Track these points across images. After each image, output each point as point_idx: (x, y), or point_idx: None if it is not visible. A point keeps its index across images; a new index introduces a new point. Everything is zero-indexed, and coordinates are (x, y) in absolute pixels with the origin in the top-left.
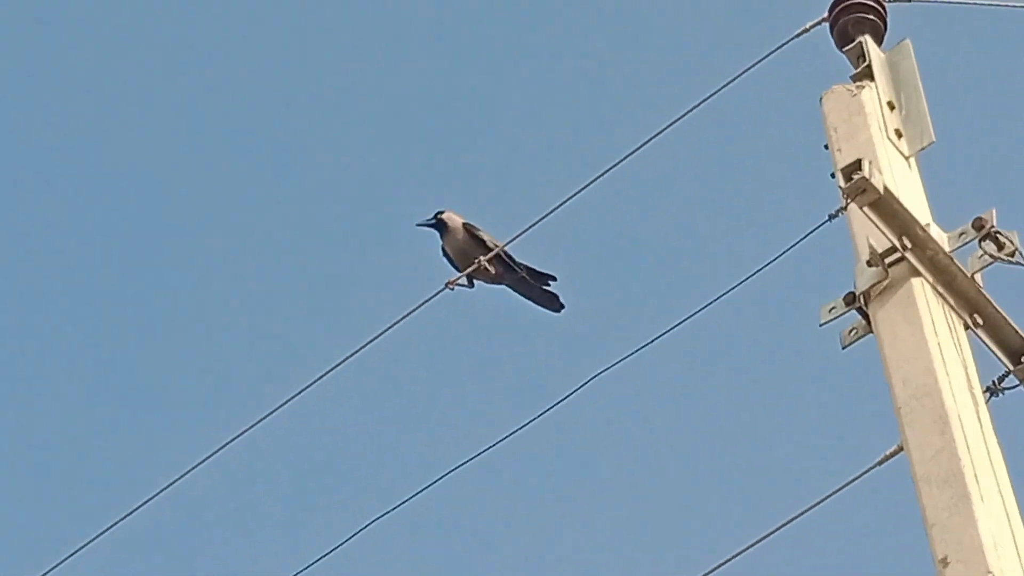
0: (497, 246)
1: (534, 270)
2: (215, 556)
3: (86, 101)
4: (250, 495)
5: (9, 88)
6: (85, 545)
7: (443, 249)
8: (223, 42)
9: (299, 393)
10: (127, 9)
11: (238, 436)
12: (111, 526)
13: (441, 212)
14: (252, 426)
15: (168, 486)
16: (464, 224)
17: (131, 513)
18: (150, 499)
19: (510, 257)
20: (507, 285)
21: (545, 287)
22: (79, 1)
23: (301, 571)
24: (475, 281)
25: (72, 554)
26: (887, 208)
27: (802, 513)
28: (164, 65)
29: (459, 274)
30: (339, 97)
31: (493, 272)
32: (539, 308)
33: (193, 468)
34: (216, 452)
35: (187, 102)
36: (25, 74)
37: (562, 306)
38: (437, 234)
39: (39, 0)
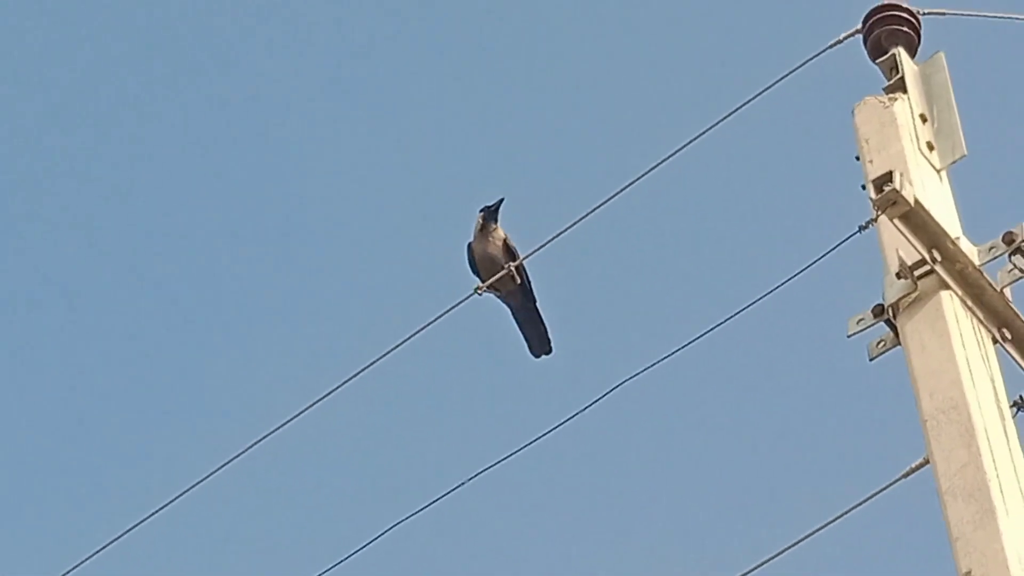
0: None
1: (539, 315)
2: (236, 557)
3: (90, 99)
4: (276, 495)
5: (9, 88)
6: (125, 532)
7: (469, 248)
8: (244, 37)
9: (320, 400)
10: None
11: (264, 437)
12: (135, 525)
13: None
14: (287, 422)
15: (174, 498)
16: (506, 233)
17: (154, 513)
18: (174, 500)
19: (528, 279)
20: (514, 306)
21: (543, 326)
22: (82, 2)
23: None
24: (487, 293)
25: (103, 546)
26: (917, 220)
27: (827, 524)
28: (175, 59)
29: (483, 280)
30: (344, 109)
31: (517, 283)
32: (524, 343)
33: (201, 480)
34: (239, 455)
35: (206, 99)
36: (25, 73)
37: (548, 351)
38: (466, 245)
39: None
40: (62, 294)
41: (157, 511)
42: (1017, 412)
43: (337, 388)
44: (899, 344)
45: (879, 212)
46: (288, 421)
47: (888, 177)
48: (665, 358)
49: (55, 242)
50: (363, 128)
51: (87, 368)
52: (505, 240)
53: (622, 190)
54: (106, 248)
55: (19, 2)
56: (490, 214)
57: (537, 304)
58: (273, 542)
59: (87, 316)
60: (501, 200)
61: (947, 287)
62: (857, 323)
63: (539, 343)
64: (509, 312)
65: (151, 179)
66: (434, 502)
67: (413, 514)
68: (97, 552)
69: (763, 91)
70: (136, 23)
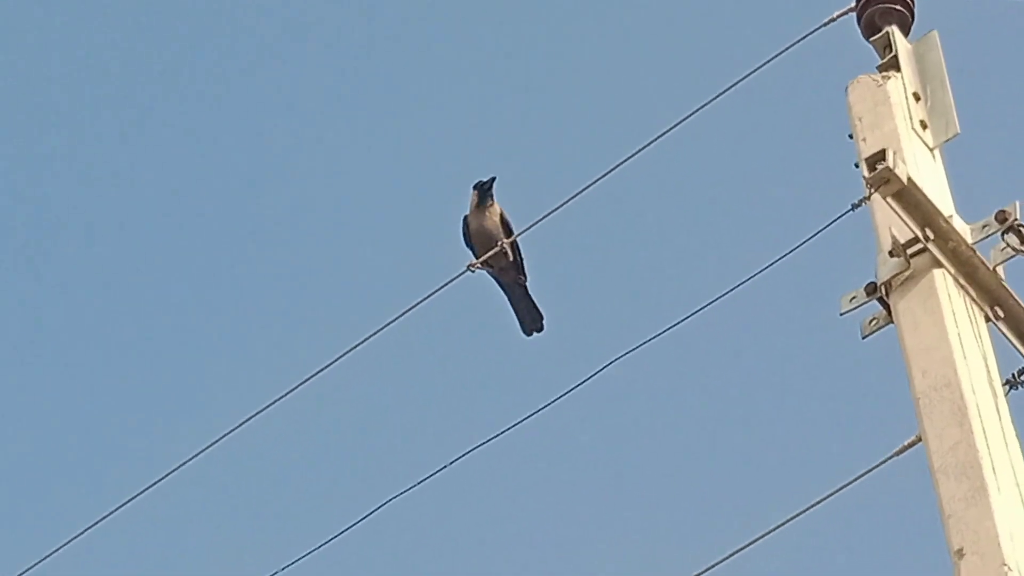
0: (512, 232)
1: (529, 294)
2: (216, 544)
3: (91, 98)
4: (265, 476)
5: (9, 88)
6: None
7: (465, 223)
8: (242, 28)
9: (311, 377)
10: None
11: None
12: (117, 508)
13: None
14: (274, 402)
15: (152, 484)
16: (502, 208)
17: (140, 494)
18: (159, 481)
19: (520, 257)
20: (506, 283)
21: (535, 305)
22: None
23: (304, 556)
24: (479, 270)
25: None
26: (910, 199)
27: (819, 502)
28: (174, 53)
29: (476, 254)
30: (343, 103)
31: (510, 259)
32: (516, 321)
33: (183, 463)
34: (223, 437)
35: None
36: (24, 73)
37: (540, 329)
38: (462, 220)
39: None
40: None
41: (141, 492)
42: (1009, 390)
43: (328, 365)
44: (892, 322)
45: (872, 190)
46: (280, 398)
47: (881, 155)
48: (657, 336)
49: (56, 241)
50: (358, 102)
51: (72, 351)
52: (502, 215)
53: (614, 168)
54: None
55: (19, 2)
56: (484, 192)
57: (527, 282)
58: (270, 518)
59: (60, 290)
60: (493, 179)
61: (940, 265)
62: (850, 301)
63: (531, 321)
64: (500, 289)
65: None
66: (424, 480)
67: (403, 492)
68: (76, 537)
69: (756, 69)
70: (136, 23)
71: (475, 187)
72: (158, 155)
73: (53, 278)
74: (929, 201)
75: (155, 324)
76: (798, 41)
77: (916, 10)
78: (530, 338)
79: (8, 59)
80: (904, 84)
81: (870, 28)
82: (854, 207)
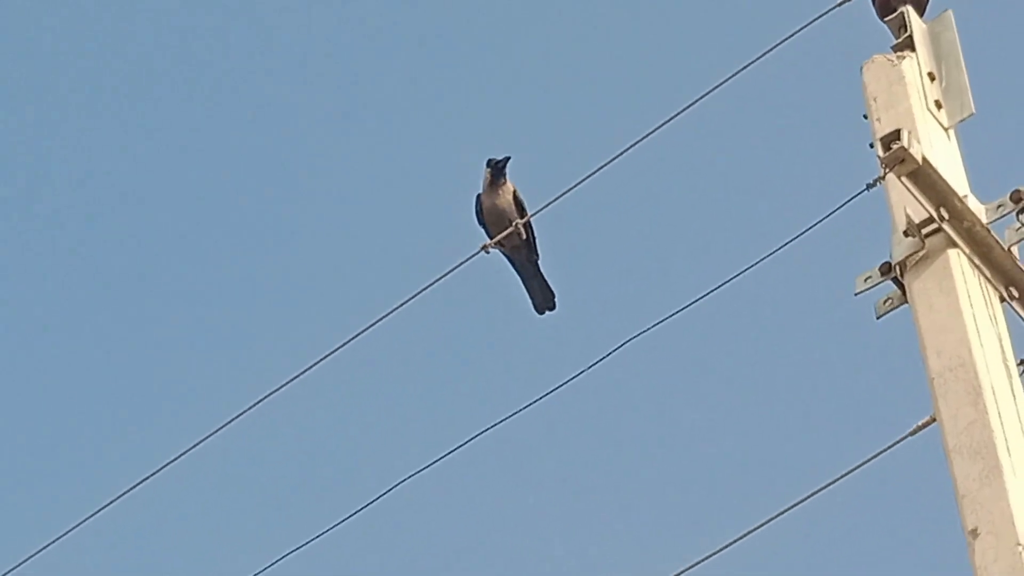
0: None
1: (540, 272)
2: (201, 544)
3: (90, 98)
4: (256, 473)
5: (9, 88)
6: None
7: (478, 202)
8: (245, 22)
9: (325, 357)
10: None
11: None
12: (97, 511)
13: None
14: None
15: (134, 486)
16: (515, 186)
17: (116, 499)
18: (139, 483)
19: (533, 236)
20: (518, 261)
21: (547, 284)
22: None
23: (289, 553)
24: (492, 249)
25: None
26: (925, 179)
27: (834, 482)
28: (175, 52)
29: (489, 233)
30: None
31: (523, 238)
32: (528, 300)
33: (168, 462)
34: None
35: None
36: (25, 73)
37: (552, 307)
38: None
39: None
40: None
41: (117, 498)
42: None
43: (343, 345)
44: (906, 302)
45: (887, 170)
46: (293, 379)
47: (896, 135)
48: (671, 316)
49: (55, 242)
50: (372, 82)
51: (65, 348)
52: (515, 193)
53: (630, 147)
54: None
55: (19, 2)
56: (498, 170)
57: (539, 261)
58: (286, 495)
59: (51, 291)
60: (507, 158)
61: (955, 245)
62: (864, 281)
63: (543, 299)
64: (512, 268)
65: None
66: (438, 460)
67: (415, 473)
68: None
69: (771, 49)
70: (136, 23)
71: (488, 165)
72: (171, 147)
73: (51, 276)
74: (944, 181)
75: (179, 302)
76: (813, 21)
77: None
78: (542, 316)
79: (8, 59)
80: (919, 64)
81: (885, 8)
82: (869, 187)
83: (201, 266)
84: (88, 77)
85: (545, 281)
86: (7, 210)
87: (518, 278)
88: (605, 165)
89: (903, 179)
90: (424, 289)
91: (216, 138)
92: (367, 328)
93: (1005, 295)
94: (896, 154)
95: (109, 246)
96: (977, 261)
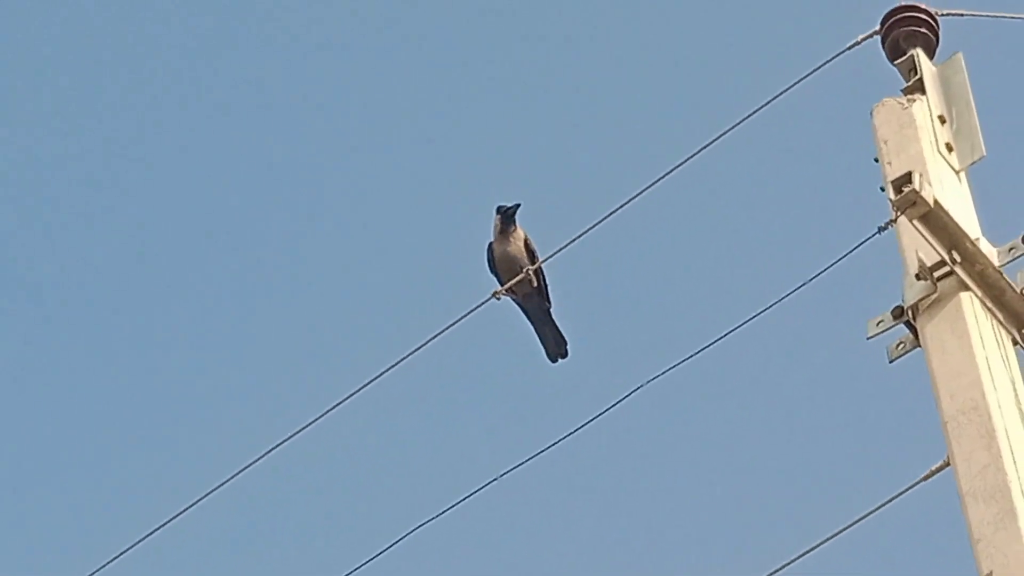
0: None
1: (552, 319)
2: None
3: (89, 98)
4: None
5: (10, 88)
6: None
7: (490, 249)
8: (255, 33)
9: (337, 405)
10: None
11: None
12: (150, 533)
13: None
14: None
15: (183, 509)
16: (526, 233)
17: (168, 522)
18: (192, 505)
19: (544, 282)
20: (530, 309)
21: (559, 331)
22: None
23: None
24: (504, 297)
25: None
26: (937, 221)
27: (848, 527)
28: (182, 57)
29: (501, 280)
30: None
31: (534, 285)
32: (541, 346)
33: (204, 494)
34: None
35: (213, 97)
36: (25, 74)
37: (565, 355)
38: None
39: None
40: (69, 300)
41: (170, 520)
42: None
43: (354, 393)
44: (919, 346)
45: (898, 213)
46: (307, 426)
47: (907, 178)
48: (684, 361)
49: (55, 242)
50: (380, 127)
51: (98, 375)
52: (526, 240)
53: (640, 193)
54: (114, 250)
55: (19, 2)
56: (507, 217)
57: (551, 308)
58: (295, 543)
59: (100, 320)
60: (518, 205)
61: (967, 288)
62: (876, 325)
63: (555, 346)
64: (524, 315)
65: (152, 178)
66: (451, 508)
67: (425, 523)
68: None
69: (782, 93)
70: (135, 22)
71: (498, 211)
72: (180, 162)
73: (63, 308)
74: (955, 224)
75: (181, 347)
76: (823, 64)
77: (941, 33)
78: (555, 364)
79: (8, 59)
80: (929, 107)
81: (895, 51)
82: (880, 230)
83: (213, 315)
84: (89, 77)
85: (557, 328)
86: (7, 210)
87: (530, 326)
88: (616, 210)
89: (915, 222)
90: (435, 336)
91: (227, 206)
92: (378, 376)
93: (1018, 338)
94: (907, 197)
95: (125, 264)
96: (989, 304)
